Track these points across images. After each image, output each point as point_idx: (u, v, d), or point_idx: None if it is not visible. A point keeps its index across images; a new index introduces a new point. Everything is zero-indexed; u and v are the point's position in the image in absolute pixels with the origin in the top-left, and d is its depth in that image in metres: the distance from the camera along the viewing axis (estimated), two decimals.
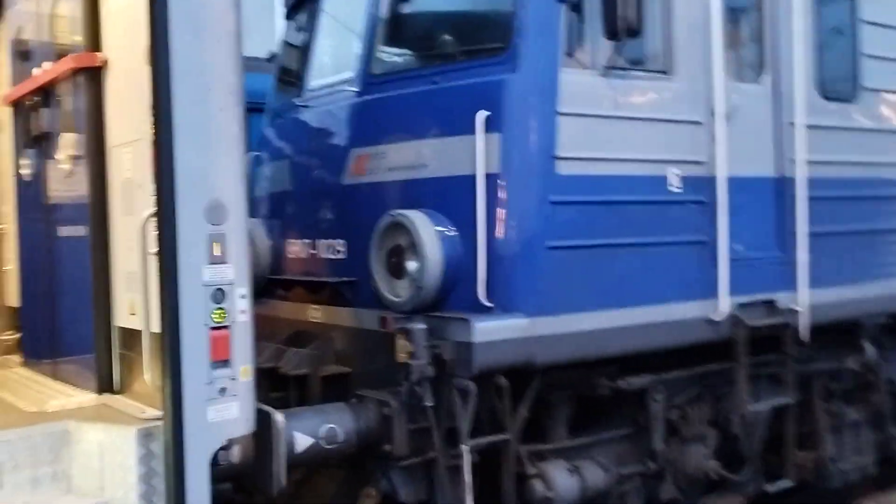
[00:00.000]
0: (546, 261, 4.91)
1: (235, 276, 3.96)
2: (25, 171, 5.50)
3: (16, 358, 5.93)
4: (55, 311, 5.18)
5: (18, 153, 5.64)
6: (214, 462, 3.97)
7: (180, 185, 3.79)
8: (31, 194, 5.49)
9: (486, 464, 5.05)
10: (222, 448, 4.01)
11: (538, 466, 5.19)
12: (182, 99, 3.78)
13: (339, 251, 5.72)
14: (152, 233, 3.93)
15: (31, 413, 4.41)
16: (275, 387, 5.64)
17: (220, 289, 3.91)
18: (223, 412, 3.93)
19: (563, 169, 4.99)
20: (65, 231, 4.99)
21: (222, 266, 3.92)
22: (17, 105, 5.56)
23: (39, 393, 4.79)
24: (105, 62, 4.51)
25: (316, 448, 4.69)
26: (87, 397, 4.57)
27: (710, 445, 5.94)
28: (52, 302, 5.20)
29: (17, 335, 6.00)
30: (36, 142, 5.28)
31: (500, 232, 4.90)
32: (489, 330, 4.70)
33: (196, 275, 3.84)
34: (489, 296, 4.83)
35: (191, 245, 3.82)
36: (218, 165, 3.91)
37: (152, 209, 3.90)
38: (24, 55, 5.46)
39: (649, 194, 5.35)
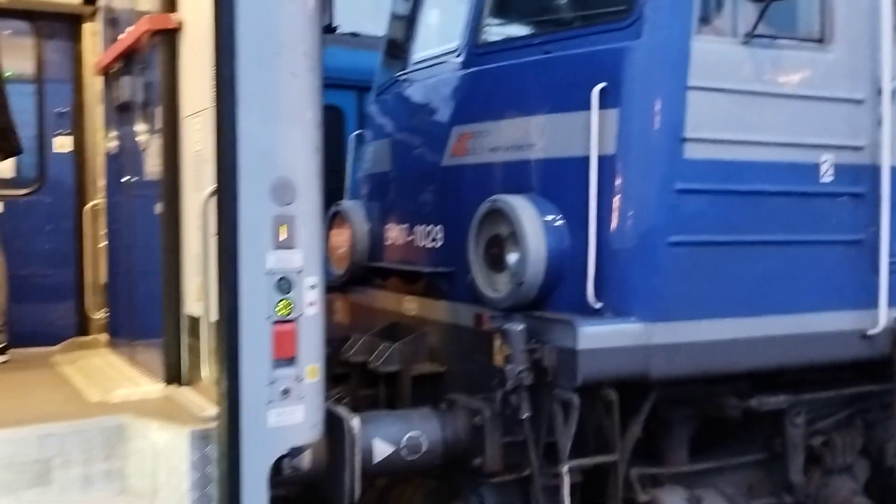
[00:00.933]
0: (667, 258, 4.23)
1: (304, 263, 3.49)
2: (111, 144, 5.25)
3: (104, 337, 5.74)
4: (133, 291, 4.90)
5: (107, 124, 5.40)
6: (277, 471, 3.54)
7: (243, 159, 3.35)
8: (115, 168, 5.24)
9: (590, 486, 4.43)
10: (286, 455, 3.57)
11: (651, 493, 4.53)
12: (247, 62, 3.33)
13: (436, 239, 5.20)
14: (214, 212, 3.52)
15: (93, 404, 4.11)
16: (366, 383, 5.21)
17: (285, 278, 3.46)
18: (286, 417, 3.48)
19: (692, 152, 4.28)
20: (142, 207, 4.69)
21: (289, 252, 3.46)
22: (106, 74, 5.31)
23: (111, 380, 4.51)
24: (180, 24, 4.14)
25: (396, 458, 4.20)
26: (153, 388, 4.25)
27: (860, 479, 5.11)
28: (132, 281, 4.93)
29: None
30: (120, 112, 5.01)
31: (614, 223, 4.25)
32: (597, 335, 4.07)
33: (258, 261, 3.40)
34: (599, 296, 4.20)
35: (253, 227, 3.38)
36: (287, 139, 3.45)
37: (214, 186, 3.48)
38: (112, 22, 5.20)
39: (795, 184, 4.56)
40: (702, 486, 4.67)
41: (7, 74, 6.79)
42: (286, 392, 3.47)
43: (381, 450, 4.16)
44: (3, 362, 5.12)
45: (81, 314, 6.21)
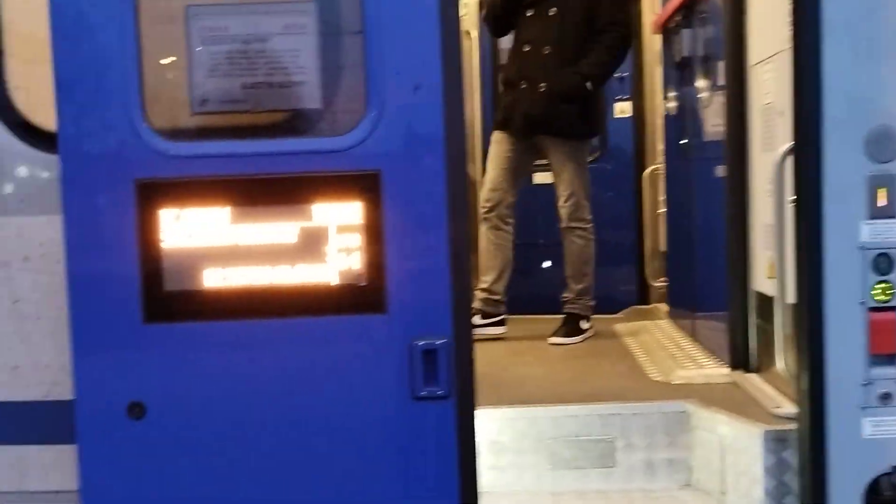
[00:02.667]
0: None
1: None
2: (670, 105, 4.96)
3: (663, 307, 5.54)
4: (694, 261, 4.56)
5: (666, 85, 5.12)
6: (875, 492, 2.88)
7: (829, 107, 2.72)
8: (674, 129, 4.94)
9: None
10: (887, 474, 2.89)
11: None
12: None
13: None
14: (790, 174, 2.95)
15: (655, 383, 3.87)
16: None
17: (884, 254, 2.75)
18: (886, 427, 2.79)
19: None
20: (703, 171, 4.30)
21: (890, 222, 2.75)
22: (665, 31, 5.01)
23: (671, 357, 4.24)
24: None
25: None
26: (717, 372, 3.86)
27: None
28: (692, 250, 4.59)
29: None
30: (679, 70, 4.67)
31: None
32: None
33: (849, 232, 2.75)
34: None
35: (842, 191, 2.74)
36: (887, 80, 2.72)
37: (790, 143, 2.91)
38: None
39: None
40: None
41: None
42: (887, 397, 2.78)
43: None
44: (501, 335, 5.04)
45: (641, 282, 6.11)
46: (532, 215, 6.34)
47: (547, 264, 6.25)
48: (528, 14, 4.72)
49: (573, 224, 4.87)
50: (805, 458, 2.85)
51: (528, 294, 5.93)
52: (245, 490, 2.78)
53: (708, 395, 3.51)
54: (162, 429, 2.75)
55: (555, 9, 4.65)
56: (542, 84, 4.64)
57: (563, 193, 4.85)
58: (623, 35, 4.76)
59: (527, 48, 4.72)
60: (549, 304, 5.93)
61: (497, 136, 4.91)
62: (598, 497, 3.32)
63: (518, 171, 4.95)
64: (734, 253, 3.77)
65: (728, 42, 3.76)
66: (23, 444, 2.93)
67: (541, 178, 6.34)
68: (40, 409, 2.92)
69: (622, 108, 6.19)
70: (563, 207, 4.85)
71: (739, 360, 3.76)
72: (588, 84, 4.64)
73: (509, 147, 4.85)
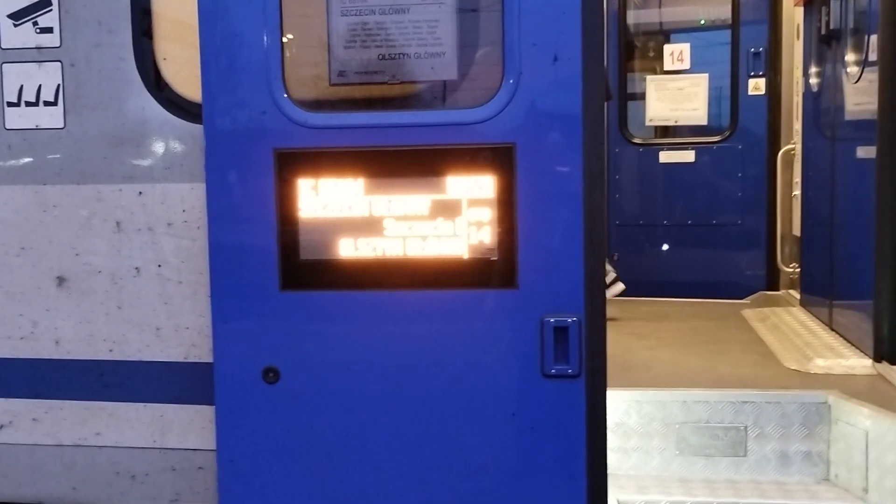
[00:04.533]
0: None
1: None
2: (812, 81, 4.70)
3: (795, 294, 5.31)
4: (834, 246, 4.33)
5: (807, 60, 4.87)
6: None
7: None
8: (815, 107, 4.69)
9: None
10: None
11: None
12: None
13: None
14: None
15: (790, 372, 3.71)
16: None
17: None
18: None
19: None
20: (847, 151, 4.06)
21: None
22: (807, 4, 4.76)
23: (807, 345, 4.05)
24: None
25: None
26: (860, 363, 3.66)
27: None
28: (831, 236, 4.36)
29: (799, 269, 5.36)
30: (823, 43, 4.42)
31: None
32: None
33: None
34: None
35: None
36: None
37: None
38: None
39: None
40: None
41: (700, 22, 6.74)
42: None
43: None
44: (620, 293, 5.02)
45: (771, 267, 5.87)
46: (653, 196, 6.20)
47: (665, 247, 6.10)
48: None
49: None
50: None
51: (647, 276, 5.81)
52: (371, 456, 2.81)
53: (850, 387, 3.34)
54: (294, 393, 2.81)
55: None
56: None
57: None
58: None
59: None
60: (667, 287, 5.80)
61: None
62: (727, 486, 3.21)
63: None
64: (883, 238, 3.56)
65: (884, 13, 3.53)
66: (162, 402, 3.05)
67: (665, 157, 6.19)
68: (179, 371, 3.02)
69: (756, 85, 5.94)
70: None
71: (884, 351, 3.56)
72: None
73: None
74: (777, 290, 5.78)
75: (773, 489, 3.18)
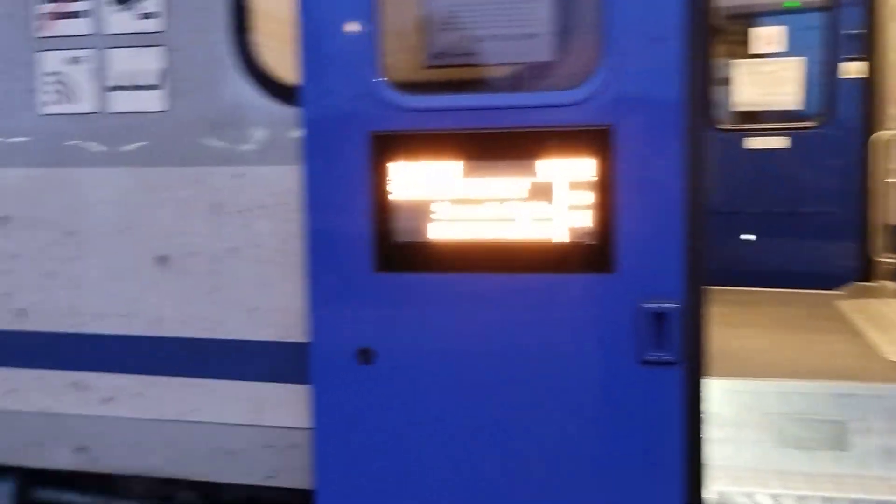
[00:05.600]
0: None
1: None
2: None
3: (891, 285, 5.11)
4: None
5: None
6: None
7: None
8: None
9: None
10: None
11: None
12: None
13: None
14: None
15: (892, 364, 3.57)
16: None
17: None
18: None
19: None
20: None
21: None
22: None
23: None
24: None
25: None
26: None
27: None
28: None
29: None
30: None
31: None
32: None
33: None
34: None
35: None
36: None
37: None
38: None
39: None
40: None
41: (792, 4, 6.52)
42: None
43: None
44: None
45: (864, 257, 5.67)
46: (736, 183, 6.04)
47: (748, 237, 5.94)
48: None
49: None
50: None
51: (734, 266, 5.67)
52: (464, 440, 2.81)
53: None
54: (389, 375, 2.82)
55: None
56: None
57: None
58: None
59: None
60: (752, 276, 5.65)
61: None
62: (828, 481, 3.11)
63: None
64: None
65: None
66: (259, 381, 3.10)
67: (752, 143, 6.02)
68: (275, 350, 3.07)
69: (851, 69, 5.73)
70: None
71: None
72: None
73: None
74: (872, 280, 5.58)
75: (877, 484, 3.07)
